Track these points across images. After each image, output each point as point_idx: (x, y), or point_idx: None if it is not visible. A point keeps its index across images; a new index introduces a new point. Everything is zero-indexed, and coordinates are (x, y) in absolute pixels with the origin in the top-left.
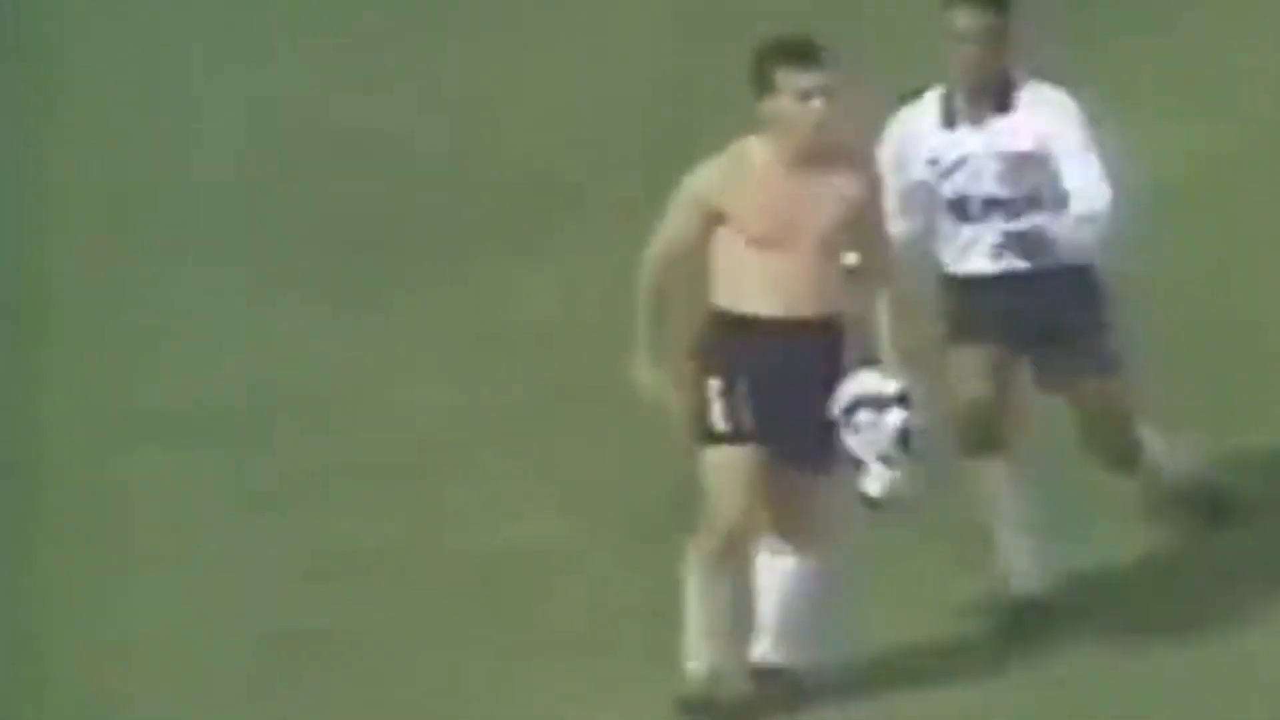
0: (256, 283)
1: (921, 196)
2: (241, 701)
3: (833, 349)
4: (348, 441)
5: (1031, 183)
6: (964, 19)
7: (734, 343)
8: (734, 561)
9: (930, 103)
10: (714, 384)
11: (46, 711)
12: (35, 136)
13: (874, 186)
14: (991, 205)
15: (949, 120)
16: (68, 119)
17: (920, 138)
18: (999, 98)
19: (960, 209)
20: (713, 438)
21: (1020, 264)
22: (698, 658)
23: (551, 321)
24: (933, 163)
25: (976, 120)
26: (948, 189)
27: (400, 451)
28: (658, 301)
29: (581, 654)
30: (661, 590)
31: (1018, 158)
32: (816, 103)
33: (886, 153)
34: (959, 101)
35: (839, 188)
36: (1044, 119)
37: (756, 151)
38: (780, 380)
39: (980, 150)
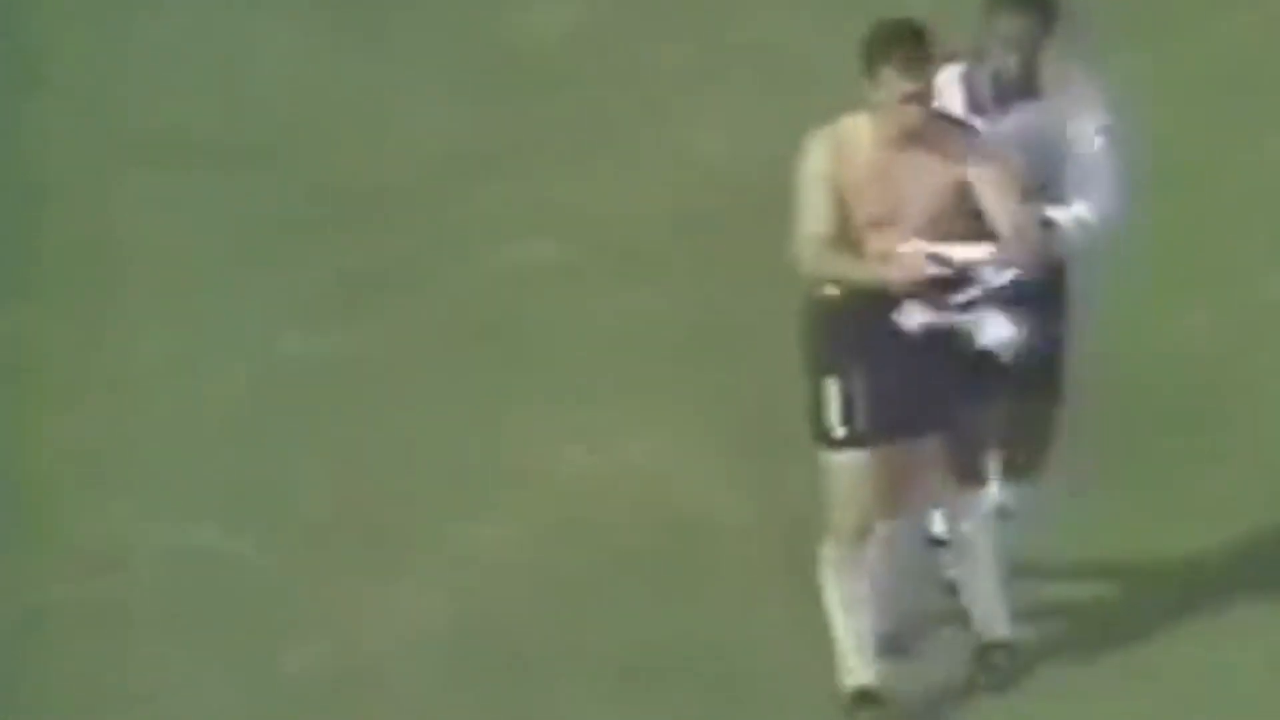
0: (256, 5)
1: None
2: (240, 427)
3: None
4: (350, 164)
5: (1051, 171)
6: (1006, 23)
7: (849, 329)
8: (864, 555)
9: (952, 80)
10: (830, 384)
11: (45, 447)
12: None
13: (991, 164)
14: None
15: (975, 104)
16: None
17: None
18: (1026, 82)
19: None
20: (831, 443)
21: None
22: (855, 674)
23: (561, 45)
24: None
25: (1003, 105)
26: None
27: (405, 174)
28: (846, 259)
29: (579, 377)
30: (661, 312)
31: (1042, 145)
32: (916, 107)
33: None
34: (983, 84)
35: (949, 167)
36: (1069, 104)
37: (864, 130)
38: (900, 363)
39: (1008, 136)
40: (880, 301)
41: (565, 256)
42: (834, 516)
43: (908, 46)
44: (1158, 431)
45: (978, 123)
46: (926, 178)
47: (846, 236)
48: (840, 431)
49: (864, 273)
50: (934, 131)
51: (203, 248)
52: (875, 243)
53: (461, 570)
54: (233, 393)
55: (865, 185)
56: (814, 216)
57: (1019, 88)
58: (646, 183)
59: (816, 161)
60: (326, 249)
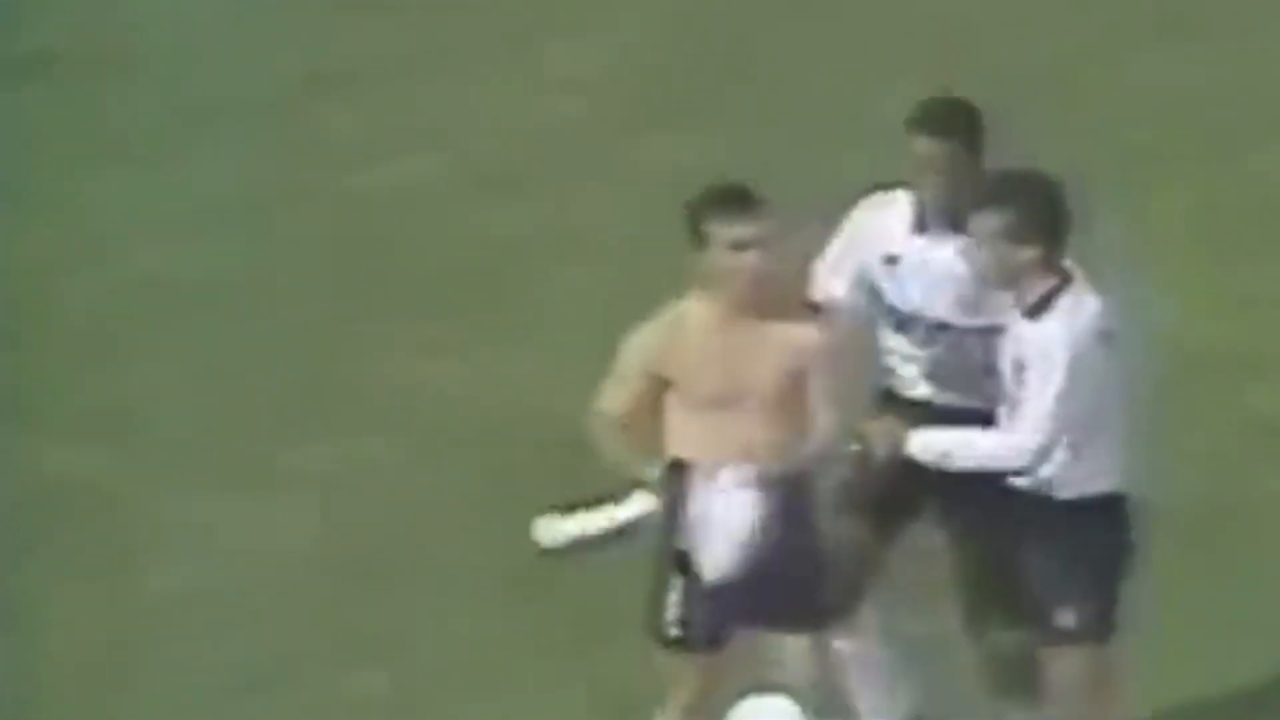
0: None
1: (865, 285)
2: (100, 344)
3: (796, 509)
4: (217, 79)
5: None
6: (924, 145)
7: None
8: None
9: (904, 201)
10: (672, 580)
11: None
12: None
13: (824, 338)
14: (938, 330)
15: (921, 224)
16: None
17: (888, 230)
18: (956, 213)
19: (904, 323)
20: (666, 643)
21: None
22: None
23: None
24: (891, 260)
25: (943, 233)
26: (896, 297)
27: (281, 89)
28: (621, 444)
29: (450, 292)
30: (533, 225)
31: (967, 283)
32: (751, 254)
33: (847, 226)
34: (929, 212)
35: (784, 341)
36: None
37: (694, 310)
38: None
39: (943, 265)
40: None
41: (435, 172)
42: (672, 698)
43: (730, 194)
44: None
45: (918, 244)
46: (763, 356)
47: (681, 418)
48: (674, 632)
49: (623, 463)
50: (773, 301)
51: (62, 159)
52: (713, 420)
53: (333, 486)
54: (93, 308)
55: (699, 365)
56: (611, 394)
57: (950, 217)
58: (514, 96)
59: (641, 341)
60: (189, 164)
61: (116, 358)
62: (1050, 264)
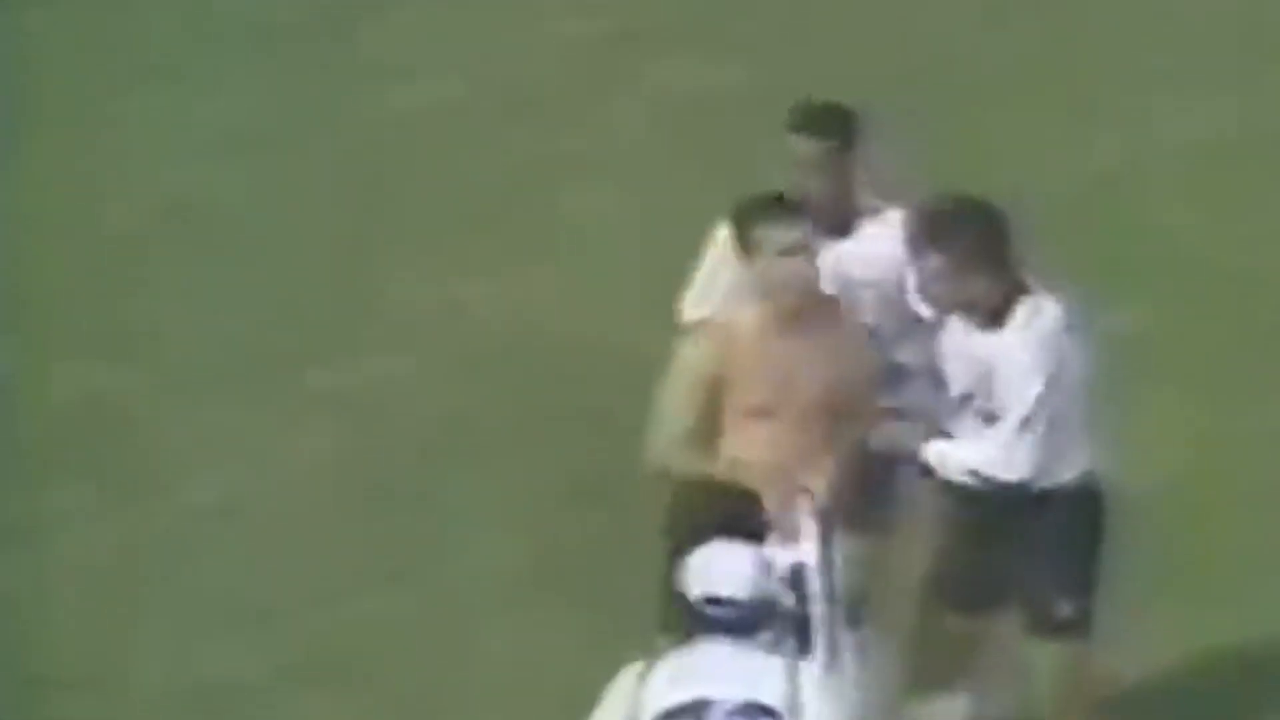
0: None
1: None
2: (138, 269)
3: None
4: (248, 2)
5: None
6: (803, 145)
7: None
8: None
9: None
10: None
11: None
12: None
13: (862, 341)
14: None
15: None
16: None
17: None
18: (837, 217)
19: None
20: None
21: None
22: None
23: None
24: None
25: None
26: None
27: (306, 12)
28: (709, 460)
29: (475, 212)
30: (557, 151)
31: (853, 284)
32: (800, 260)
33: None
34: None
35: (834, 347)
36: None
37: (745, 318)
38: None
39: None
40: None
41: (460, 93)
42: None
43: (777, 203)
44: None
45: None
46: (809, 366)
47: (716, 425)
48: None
49: (721, 474)
50: (821, 312)
51: (89, 82)
52: (755, 431)
53: (360, 404)
54: (122, 229)
55: (748, 374)
56: (676, 414)
57: (829, 223)
58: (538, 17)
59: (697, 356)
60: (217, 87)
61: (145, 278)
62: (1002, 283)
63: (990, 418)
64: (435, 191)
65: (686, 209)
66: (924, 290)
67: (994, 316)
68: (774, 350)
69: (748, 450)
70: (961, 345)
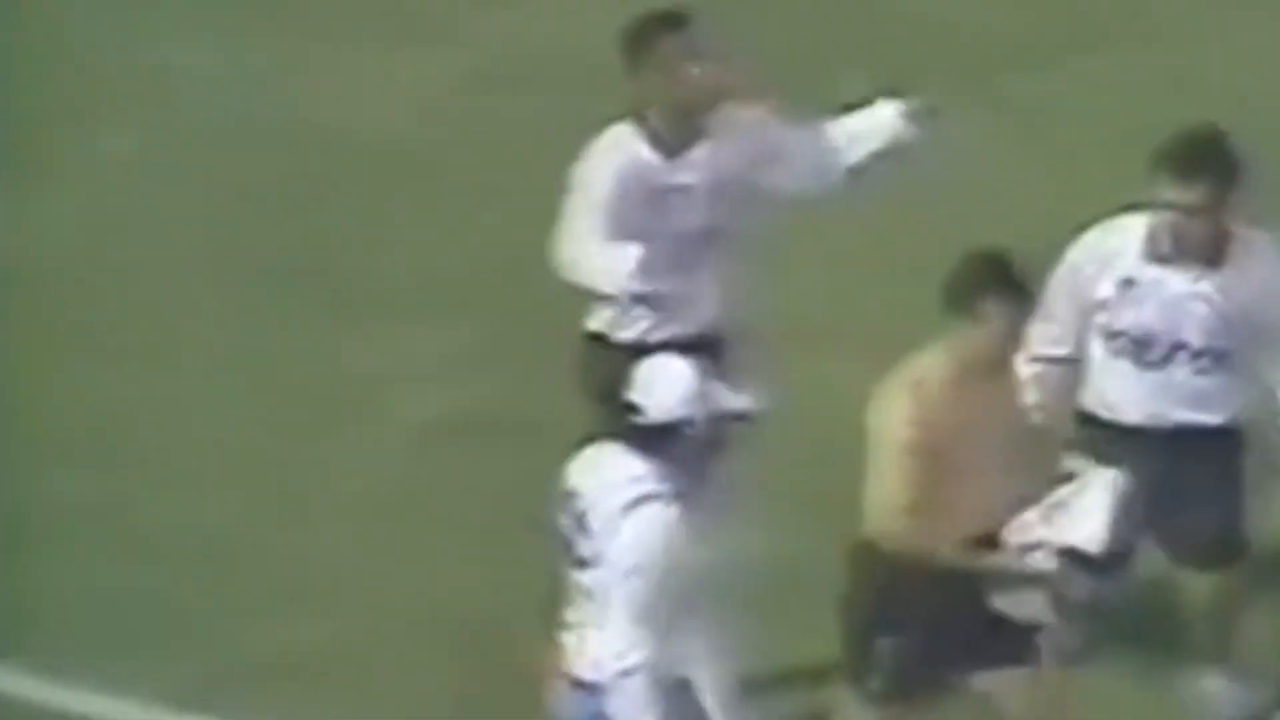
0: None
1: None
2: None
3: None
4: None
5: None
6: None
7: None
8: None
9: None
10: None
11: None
12: None
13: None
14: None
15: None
16: None
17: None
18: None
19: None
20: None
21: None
22: None
23: None
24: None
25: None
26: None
27: None
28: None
29: None
30: None
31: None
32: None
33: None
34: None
35: (1015, 396)
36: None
37: (935, 369)
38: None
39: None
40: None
41: None
42: None
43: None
44: None
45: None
46: (1001, 413)
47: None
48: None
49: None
50: (1003, 357)
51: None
52: (953, 491)
53: None
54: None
55: (947, 432)
56: (895, 488)
57: (683, 140)
58: None
59: (898, 419)
60: None
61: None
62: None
63: (1219, 358)
64: None
65: None
66: (1174, 227)
67: (1213, 258)
68: (966, 401)
69: (955, 506)
70: (1181, 294)
